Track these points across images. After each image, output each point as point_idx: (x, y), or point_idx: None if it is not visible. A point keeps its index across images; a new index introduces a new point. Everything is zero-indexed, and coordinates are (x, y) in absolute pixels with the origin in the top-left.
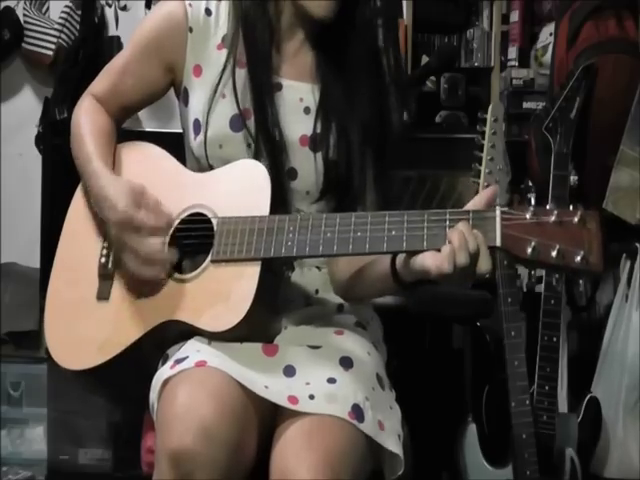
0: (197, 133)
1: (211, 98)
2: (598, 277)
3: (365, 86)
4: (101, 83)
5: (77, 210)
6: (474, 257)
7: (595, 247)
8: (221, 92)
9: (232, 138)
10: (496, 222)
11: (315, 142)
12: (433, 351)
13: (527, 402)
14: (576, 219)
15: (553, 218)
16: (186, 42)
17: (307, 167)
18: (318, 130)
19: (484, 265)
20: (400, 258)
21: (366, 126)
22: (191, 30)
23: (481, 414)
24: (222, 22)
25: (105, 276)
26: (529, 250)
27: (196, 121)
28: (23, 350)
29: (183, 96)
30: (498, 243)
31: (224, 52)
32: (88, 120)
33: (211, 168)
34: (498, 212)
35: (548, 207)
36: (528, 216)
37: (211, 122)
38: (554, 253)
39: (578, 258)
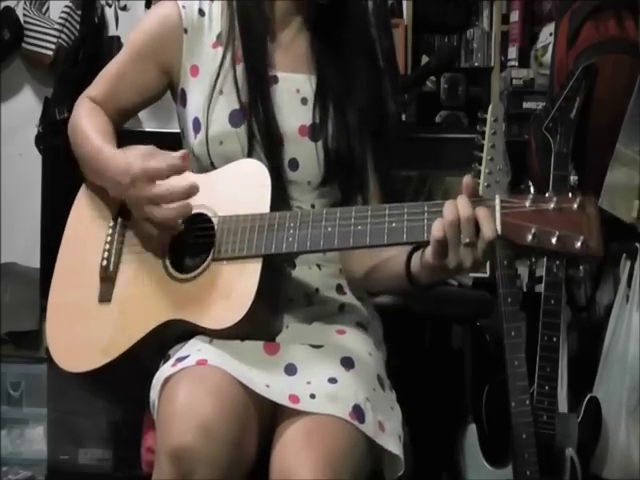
0: (197, 132)
1: (210, 96)
2: (598, 262)
3: (361, 72)
4: (97, 88)
5: (78, 214)
6: (468, 224)
7: (595, 232)
8: (219, 89)
9: (232, 134)
10: (496, 210)
11: (314, 132)
12: (433, 351)
13: (527, 402)
14: (575, 205)
15: (552, 205)
16: (182, 43)
17: (308, 157)
18: (317, 120)
19: (487, 230)
20: (415, 260)
21: (363, 112)
22: (186, 31)
23: (481, 414)
24: (215, 21)
25: (106, 278)
26: (529, 237)
27: (195, 120)
28: (23, 350)
29: (181, 97)
30: (499, 231)
31: (219, 50)
32: (89, 118)
33: (212, 166)
34: (497, 200)
35: (547, 194)
36: (527, 204)
37: (211, 119)
38: (554, 239)
39: (578, 244)
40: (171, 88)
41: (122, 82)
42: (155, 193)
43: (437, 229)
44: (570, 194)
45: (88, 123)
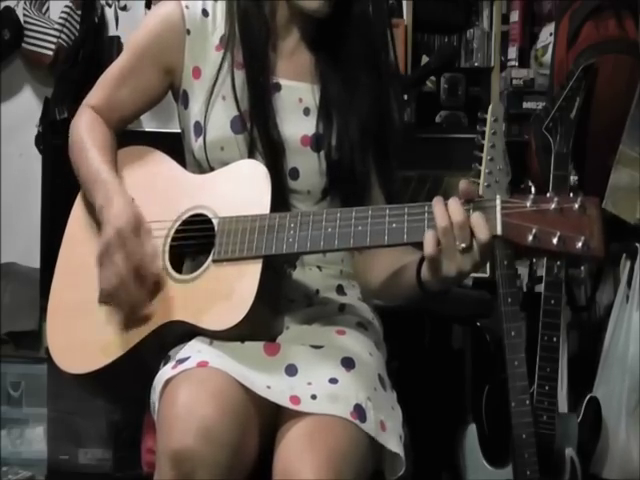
0: (198, 136)
1: (207, 100)
2: (600, 262)
3: (364, 82)
4: (97, 95)
5: (79, 215)
6: (462, 229)
7: (596, 232)
8: (220, 94)
9: (233, 140)
10: (496, 211)
11: (317, 142)
12: (433, 351)
13: (527, 402)
14: (576, 206)
15: (553, 205)
16: (184, 44)
17: (309, 167)
18: (320, 130)
19: (482, 234)
20: (425, 268)
21: (366, 123)
22: (189, 32)
23: (481, 414)
24: (219, 23)
25: None
26: (530, 238)
27: (197, 124)
28: (23, 350)
29: (182, 99)
30: (499, 232)
31: (222, 53)
32: (89, 130)
33: (212, 171)
34: (498, 201)
35: (548, 195)
36: (528, 204)
37: (212, 124)
38: (555, 240)
39: (579, 244)
40: (172, 88)
41: (124, 87)
42: (122, 266)
43: (429, 246)
44: (571, 194)
45: (91, 140)
